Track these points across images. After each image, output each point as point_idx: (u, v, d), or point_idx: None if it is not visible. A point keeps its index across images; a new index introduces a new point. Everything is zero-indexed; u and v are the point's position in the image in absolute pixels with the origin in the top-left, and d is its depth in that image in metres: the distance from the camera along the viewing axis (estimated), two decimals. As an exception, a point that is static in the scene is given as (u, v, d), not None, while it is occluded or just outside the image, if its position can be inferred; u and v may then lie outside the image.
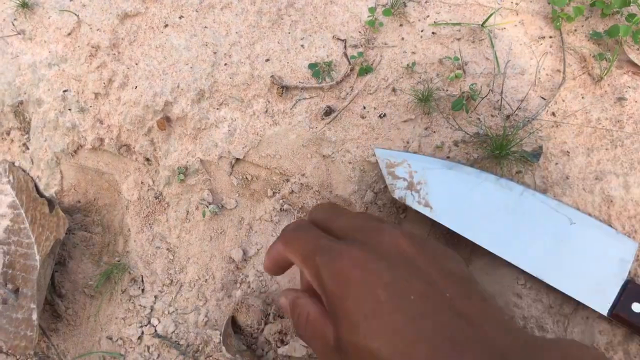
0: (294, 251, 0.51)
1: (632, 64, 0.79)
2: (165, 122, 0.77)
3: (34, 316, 0.73)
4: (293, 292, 0.53)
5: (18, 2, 0.82)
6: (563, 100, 0.76)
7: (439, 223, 0.68)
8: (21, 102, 0.81)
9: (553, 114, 0.75)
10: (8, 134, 0.85)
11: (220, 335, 0.72)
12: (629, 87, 0.76)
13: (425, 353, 0.39)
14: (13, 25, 0.83)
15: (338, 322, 0.44)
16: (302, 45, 0.81)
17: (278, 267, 0.55)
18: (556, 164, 0.71)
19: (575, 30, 0.84)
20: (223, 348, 0.69)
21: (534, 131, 0.73)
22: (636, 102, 0.75)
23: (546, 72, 0.79)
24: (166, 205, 0.79)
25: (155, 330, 0.76)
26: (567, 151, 0.72)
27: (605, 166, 0.70)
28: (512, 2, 0.88)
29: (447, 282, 0.45)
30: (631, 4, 0.82)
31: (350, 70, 0.79)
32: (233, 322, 0.74)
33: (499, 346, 0.40)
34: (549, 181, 0.70)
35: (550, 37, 0.83)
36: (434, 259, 0.47)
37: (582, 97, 0.77)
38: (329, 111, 0.76)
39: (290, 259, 0.52)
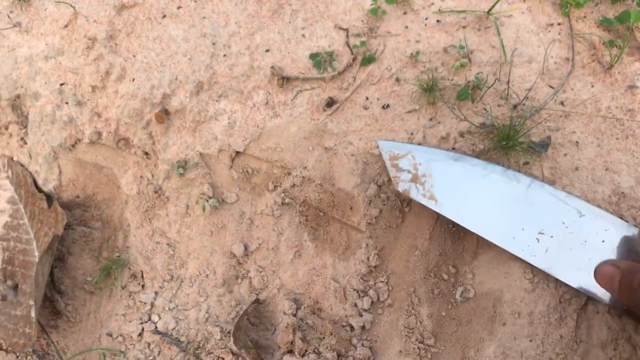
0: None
1: (644, 50, 0.77)
2: (164, 115, 0.76)
3: (33, 313, 0.72)
4: (624, 263, 0.59)
5: (14, -6, 0.81)
6: (572, 89, 0.74)
7: (444, 216, 0.67)
8: (18, 96, 0.80)
9: (562, 103, 0.73)
10: (6, 128, 0.84)
11: (227, 330, 0.71)
12: (640, 75, 0.74)
13: None
14: (9, 17, 0.82)
15: None
16: (303, 35, 0.79)
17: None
18: (565, 154, 0.69)
19: (585, 16, 0.82)
20: (231, 339, 0.68)
21: (542, 121, 0.71)
22: (648, 90, 0.73)
23: (554, 60, 0.77)
24: (166, 199, 0.78)
25: (156, 327, 0.74)
26: (576, 141, 0.70)
27: (616, 156, 0.68)
28: (519, -11, 0.85)
29: None
30: (642, -11, 0.80)
31: (353, 60, 0.77)
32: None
33: None
34: (557, 172, 0.68)
35: (559, 24, 0.81)
36: None
37: (592, 86, 0.74)
38: (331, 102, 0.75)
39: None
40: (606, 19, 0.80)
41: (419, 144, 0.71)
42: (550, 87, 0.74)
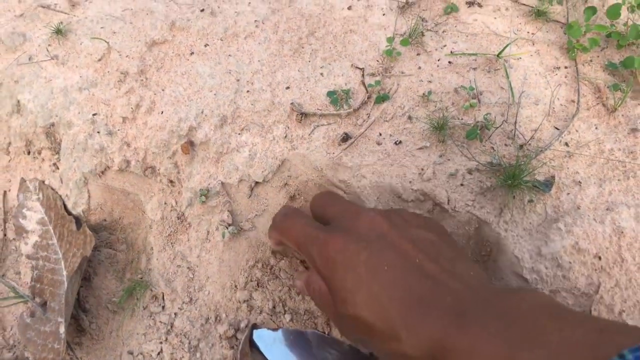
0: (290, 239, 0.61)
1: (647, 95, 0.80)
2: (189, 146, 0.80)
3: (62, 329, 0.76)
4: (305, 274, 0.63)
5: (53, 28, 0.87)
6: (577, 131, 0.77)
7: None
8: (52, 124, 0.85)
9: (566, 144, 0.76)
10: (39, 153, 0.89)
11: (238, 353, 0.75)
12: (643, 119, 0.77)
13: (398, 313, 0.48)
14: (47, 50, 0.87)
15: (334, 298, 0.54)
16: (321, 74, 0.84)
17: (281, 247, 0.65)
18: (568, 193, 0.72)
19: (591, 60, 0.86)
20: None
21: (547, 161, 0.74)
22: (650, 133, 0.76)
23: (560, 102, 0.80)
24: (188, 225, 0.82)
25: (174, 347, 0.78)
26: (579, 181, 0.73)
27: (617, 197, 0.71)
28: (528, 32, 0.89)
29: (417, 249, 0.53)
30: (646, 36, 0.84)
31: (368, 98, 0.82)
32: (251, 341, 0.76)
33: (463, 301, 0.48)
34: (560, 211, 0.71)
35: (566, 67, 0.85)
36: (406, 230, 0.56)
37: (596, 128, 0.78)
38: (346, 137, 0.79)
39: (287, 244, 0.62)
40: (611, 64, 0.84)
41: (429, 179, 0.75)
42: (556, 128, 0.78)
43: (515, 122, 0.78)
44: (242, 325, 0.77)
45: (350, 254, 0.53)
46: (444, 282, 0.50)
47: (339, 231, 0.56)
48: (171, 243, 0.83)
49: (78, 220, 0.85)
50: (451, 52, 0.86)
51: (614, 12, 0.85)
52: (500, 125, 0.77)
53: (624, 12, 0.85)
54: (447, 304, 0.47)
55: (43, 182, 0.89)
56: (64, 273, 0.80)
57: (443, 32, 0.89)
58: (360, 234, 0.55)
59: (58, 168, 0.87)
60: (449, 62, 0.85)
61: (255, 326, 0.77)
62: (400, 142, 0.78)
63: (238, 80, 0.83)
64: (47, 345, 0.76)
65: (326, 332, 0.76)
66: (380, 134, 0.79)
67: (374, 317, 0.49)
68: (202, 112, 0.81)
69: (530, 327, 0.44)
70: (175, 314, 0.80)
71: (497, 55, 0.84)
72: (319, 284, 0.57)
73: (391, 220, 0.57)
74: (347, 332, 0.57)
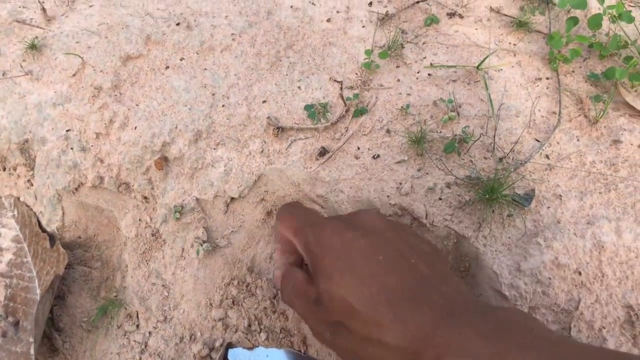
0: (288, 227, 0.61)
1: (628, 106, 0.79)
2: (163, 162, 0.79)
3: (32, 351, 0.75)
4: (286, 265, 0.63)
5: (27, 43, 0.86)
6: (558, 143, 0.76)
7: None
8: (27, 140, 0.83)
9: (547, 156, 0.75)
10: (15, 169, 0.88)
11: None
12: (625, 130, 0.76)
13: (387, 301, 0.48)
14: (21, 66, 0.86)
15: (317, 277, 0.53)
16: (299, 87, 0.83)
17: (284, 244, 0.64)
18: (548, 207, 0.70)
19: (573, 71, 0.85)
20: None
21: (527, 174, 0.73)
22: (632, 144, 0.75)
23: (541, 114, 0.79)
24: (162, 242, 0.81)
25: (148, 367, 0.76)
26: (560, 195, 0.71)
27: (598, 210, 0.70)
28: (510, 43, 0.88)
29: (412, 252, 0.54)
30: (628, 46, 0.83)
31: (346, 112, 0.80)
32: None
33: (454, 304, 0.49)
34: (540, 225, 0.69)
35: (547, 78, 0.84)
36: (404, 234, 0.57)
37: (577, 140, 0.76)
38: (323, 152, 0.77)
39: (285, 235, 0.62)
40: (593, 74, 0.83)
41: (407, 193, 0.73)
42: (537, 140, 0.77)
43: (495, 135, 0.76)
44: (217, 344, 0.75)
45: (348, 239, 0.53)
46: (436, 284, 0.51)
47: (340, 219, 0.58)
48: (146, 260, 0.81)
49: (52, 238, 0.83)
50: (431, 64, 0.85)
51: (595, 22, 0.84)
52: (479, 138, 0.76)
53: (606, 23, 0.84)
54: (438, 303, 0.48)
55: (18, 198, 0.88)
56: (38, 292, 0.79)
57: (423, 43, 0.88)
58: (360, 225, 0.56)
59: (32, 185, 0.85)
60: (429, 75, 0.84)
61: (230, 345, 0.75)
62: (378, 156, 0.77)
63: (213, 94, 0.82)
64: (16, 367, 0.74)
65: (302, 351, 0.74)
66: (359, 148, 0.78)
67: (359, 299, 0.49)
68: (176, 127, 0.79)
69: (521, 331, 0.45)
70: (150, 332, 0.78)
71: (477, 67, 0.82)
72: (296, 276, 0.59)
73: (391, 223, 0.58)
74: (317, 323, 0.56)
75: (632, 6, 0.90)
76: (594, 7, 0.88)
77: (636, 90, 0.80)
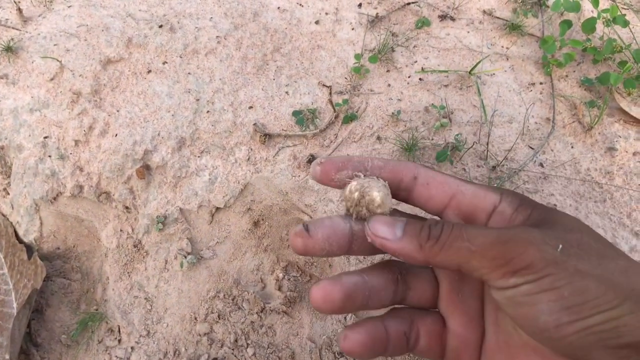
0: None
1: (623, 112, 0.77)
2: (145, 170, 0.76)
3: (7, 368, 0.71)
4: None
5: (2, 45, 0.82)
6: (552, 150, 0.74)
7: None
8: (2, 147, 0.80)
9: (541, 164, 0.73)
10: (-9, 177, 0.84)
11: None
12: (620, 137, 0.74)
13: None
14: (-3, 69, 0.83)
15: None
16: (286, 92, 0.80)
17: None
18: (543, 218, 0.68)
19: (567, 76, 0.83)
20: None
21: (521, 183, 0.71)
22: (626, 152, 0.73)
23: (535, 121, 0.77)
24: (145, 253, 0.78)
25: (131, 384, 0.74)
26: (555, 204, 0.69)
27: (594, 220, 0.68)
28: (502, 47, 0.86)
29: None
30: (622, 51, 0.81)
31: (335, 118, 0.78)
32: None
33: None
34: (535, 236, 0.67)
35: (541, 83, 0.82)
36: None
37: (572, 147, 0.75)
38: (312, 159, 0.75)
39: None
40: (587, 79, 0.81)
41: (398, 203, 0.71)
42: (530, 147, 0.75)
43: (488, 143, 0.74)
44: (202, 359, 0.72)
45: None
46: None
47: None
48: (128, 272, 0.78)
49: (29, 249, 0.80)
50: (422, 68, 0.83)
51: (589, 26, 0.82)
52: (472, 146, 0.74)
53: (600, 26, 0.82)
54: None
55: (-6, 207, 0.84)
56: (14, 305, 0.75)
57: (414, 47, 0.86)
58: None
59: (9, 193, 0.82)
60: (420, 79, 0.81)
61: None
62: (368, 163, 0.74)
63: (198, 99, 0.79)
64: (-9, 386, 0.71)
65: (291, 367, 0.71)
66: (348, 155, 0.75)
67: None
68: (158, 134, 0.76)
69: None
70: (132, 348, 0.75)
71: (470, 73, 0.80)
72: None
73: None
74: None
75: (625, 9, 0.88)
76: (588, 10, 0.87)
77: (631, 96, 0.78)
